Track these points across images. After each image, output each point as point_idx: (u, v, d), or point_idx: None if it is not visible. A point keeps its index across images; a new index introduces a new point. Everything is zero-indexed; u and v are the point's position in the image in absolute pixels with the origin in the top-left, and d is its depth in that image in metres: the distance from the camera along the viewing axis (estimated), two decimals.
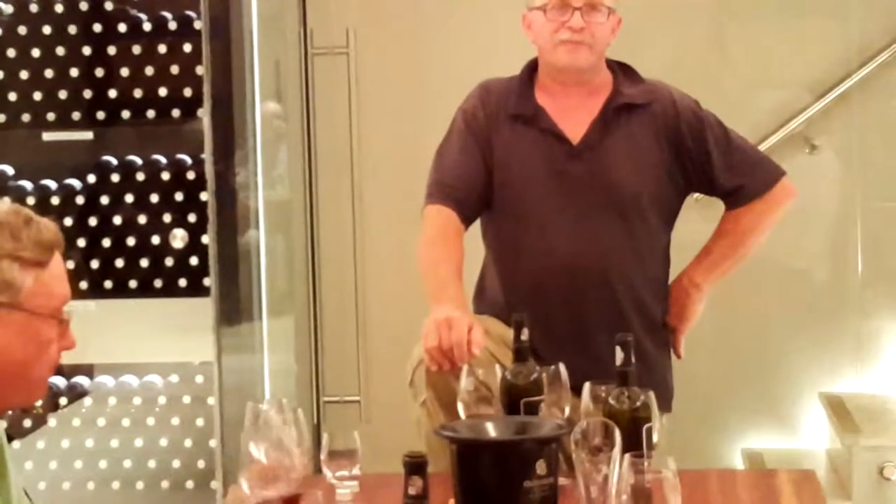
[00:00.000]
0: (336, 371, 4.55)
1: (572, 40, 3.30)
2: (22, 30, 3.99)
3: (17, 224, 2.08)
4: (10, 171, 4.06)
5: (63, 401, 4.11)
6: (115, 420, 4.09)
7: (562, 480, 2.39)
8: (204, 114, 3.92)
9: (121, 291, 3.98)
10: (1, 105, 4.00)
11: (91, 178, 4.01)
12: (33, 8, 4.01)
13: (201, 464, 3.98)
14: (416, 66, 4.57)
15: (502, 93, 3.41)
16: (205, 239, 3.94)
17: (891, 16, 4.40)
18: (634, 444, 2.39)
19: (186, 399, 4.07)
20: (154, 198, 3.97)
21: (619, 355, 2.51)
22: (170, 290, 3.97)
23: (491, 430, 2.41)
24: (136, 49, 3.99)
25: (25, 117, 4.01)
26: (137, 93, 3.99)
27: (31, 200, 3.97)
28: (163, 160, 4.02)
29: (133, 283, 3.98)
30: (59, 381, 4.09)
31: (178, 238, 3.96)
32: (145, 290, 3.97)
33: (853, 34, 4.41)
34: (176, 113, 3.97)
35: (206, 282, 3.93)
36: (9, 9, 4.02)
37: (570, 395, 2.74)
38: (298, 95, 4.51)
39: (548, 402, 2.73)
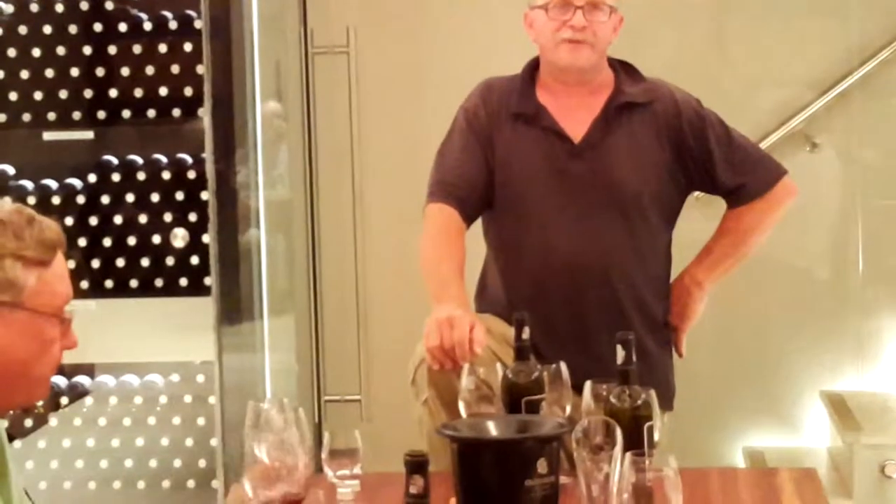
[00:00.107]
0: (337, 370, 4.56)
1: (574, 39, 3.30)
2: (22, 29, 3.99)
3: (20, 223, 2.08)
4: (10, 170, 4.06)
5: (64, 400, 4.11)
6: (117, 419, 4.09)
7: (563, 479, 2.39)
8: (204, 113, 3.92)
9: (122, 291, 3.98)
10: (2, 105, 4.00)
11: (92, 178, 4.01)
12: (34, 8, 4.01)
13: (202, 463, 3.99)
14: (416, 66, 4.57)
15: (504, 91, 3.41)
16: (205, 238, 3.94)
17: (891, 14, 4.40)
18: (636, 442, 2.39)
19: (187, 398, 4.07)
20: (155, 197, 3.97)
21: (620, 354, 2.51)
22: (171, 290, 3.97)
23: (492, 429, 2.41)
24: (137, 48, 3.99)
25: (26, 117, 4.01)
26: (138, 92, 3.99)
27: (31, 200, 3.97)
28: (163, 159, 4.02)
29: (134, 283, 3.98)
30: (61, 381, 4.08)
31: (179, 237, 3.96)
32: (146, 290, 3.98)
33: (854, 32, 4.41)
34: (176, 112, 3.97)
35: (207, 281, 3.93)
36: (9, 8, 4.02)
37: (572, 393, 2.74)
38: (299, 95, 4.51)
39: (549, 400, 2.72)
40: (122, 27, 3.98)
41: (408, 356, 3.19)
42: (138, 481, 4.01)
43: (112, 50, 3.99)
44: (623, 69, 3.43)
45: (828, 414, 4.23)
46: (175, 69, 3.96)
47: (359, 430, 2.64)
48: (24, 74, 3.98)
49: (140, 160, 4.03)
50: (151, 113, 3.98)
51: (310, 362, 4.54)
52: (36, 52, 3.98)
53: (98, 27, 3.98)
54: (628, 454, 2.17)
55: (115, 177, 4.00)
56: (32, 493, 2.29)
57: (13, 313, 2.06)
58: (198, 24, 3.94)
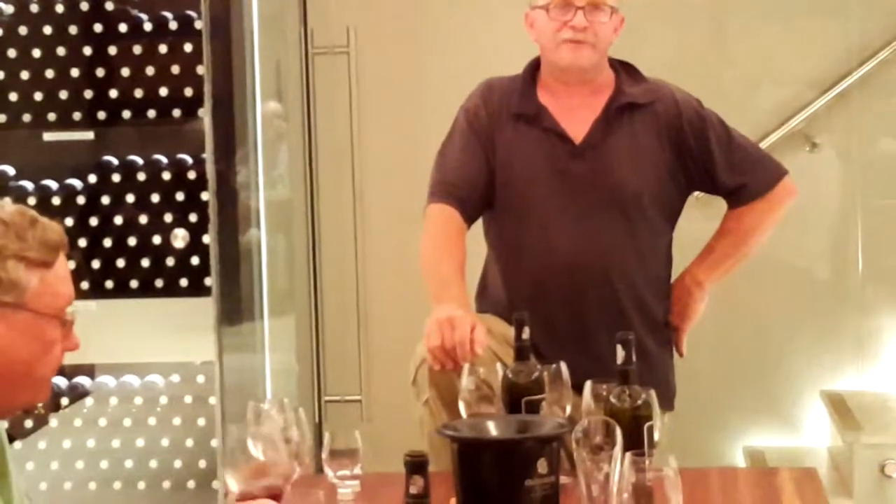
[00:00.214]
0: (337, 370, 4.56)
1: (575, 39, 3.30)
2: (22, 30, 3.99)
3: (23, 224, 2.08)
4: (10, 171, 4.06)
5: (64, 401, 4.11)
6: (117, 420, 4.09)
7: (563, 479, 2.39)
8: (205, 113, 3.92)
9: (122, 291, 3.98)
10: (2, 105, 4.00)
11: (92, 178, 4.02)
12: (34, 8, 4.01)
13: (203, 464, 3.99)
14: (416, 66, 4.57)
15: (505, 92, 3.41)
16: (206, 238, 3.94)
17: (891, 14, 4.40)
18: (636, 442, 2.39)
19: (188, 399, 4.07)
20: (155, 198, 3.97)
21: (621, 354, 2.51)
22: (171, 290, 3.97)
23: (492, 429, 2.40)
24: (137, 49, 3.99)
25: (26, 117, 4.01)
26: (138, 93, 3.99)
27: (32, 201, 3.97)
28: (164, 160, 4.02)
29: (134, 283, 3.98)
30: (61, 382, 4.09)
31: (179, 238, 3.96)
32: (146, 290, 3.98)
33: (853, 32, 4.41)
34: (177, 113, 3.97)
35: (208, 281, 3.93)
36: (9, 9, 4.02)
37: (572, 393, 2.74)
38: (299, 95, 4.51)
39: (549, 400, 2.72)
40: (123, 28, 3.98)
41: (408, 356, 3.19)
42: (139, 482, 4.01)
43: (112, 50, 3.99)
44: (624, 69, 3.43)
45: (828, 413, 4.23)
46: (175, 69, 3.96)
47: (359, 431, 2.64)
48: (25, 75, 3.98)
49: (140, 161, 4.03)
50: (152, 113, 3.98)
51: (310, 362, 4.54)
52: (36, 53, 3.98)
53: (98, 28, 3.98)
54: (628, 454, 2.17)
55: (116, 177, 4.00)
56: (33, 493, 2.30)
57: (15, 314, 2.06)
58: (198, 25, 3.94)
